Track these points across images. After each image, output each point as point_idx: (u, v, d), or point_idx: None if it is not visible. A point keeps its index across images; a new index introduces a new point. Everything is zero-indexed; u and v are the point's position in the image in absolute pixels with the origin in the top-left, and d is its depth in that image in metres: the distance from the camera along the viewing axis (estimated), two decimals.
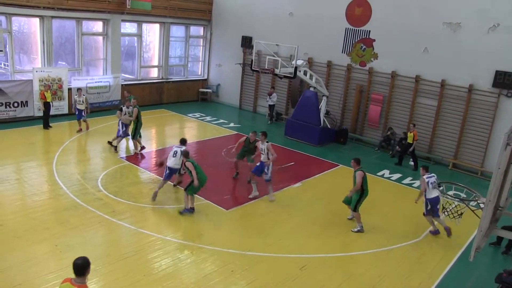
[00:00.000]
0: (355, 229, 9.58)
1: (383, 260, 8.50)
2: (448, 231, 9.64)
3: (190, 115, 18.71)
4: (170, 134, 16.52)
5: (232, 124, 17.69)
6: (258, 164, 10.81)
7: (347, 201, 9.70)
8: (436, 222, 9.73)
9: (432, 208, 9.54)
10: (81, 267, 4.46)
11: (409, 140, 14.32)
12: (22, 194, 9.96)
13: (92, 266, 7.23)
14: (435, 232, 9.75)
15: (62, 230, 8.45)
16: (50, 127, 15.04)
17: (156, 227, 8.95)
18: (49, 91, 15.22)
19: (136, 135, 13.17)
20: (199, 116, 18.68)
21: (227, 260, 7.93)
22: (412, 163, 14.66)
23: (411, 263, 8.51)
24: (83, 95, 14.80)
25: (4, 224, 8.52)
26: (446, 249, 9.16)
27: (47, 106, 14.91)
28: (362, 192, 9.42)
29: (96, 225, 8.76)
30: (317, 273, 7.84)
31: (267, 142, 10.66)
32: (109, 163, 12.21)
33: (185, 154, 9.51)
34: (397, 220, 10.41)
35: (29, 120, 15.48)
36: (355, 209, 9.51)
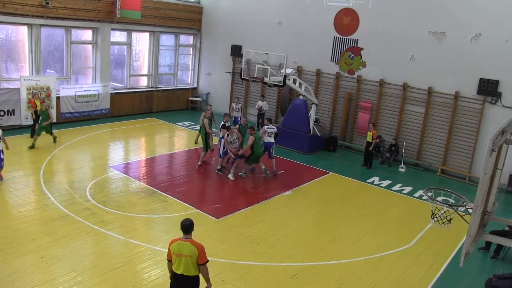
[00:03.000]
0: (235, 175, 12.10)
1: (374, 268, 8.50)
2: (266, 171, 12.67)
3: (179, 123, 18.66)
4: (159, 142, 16.43)
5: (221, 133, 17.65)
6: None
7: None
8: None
9: (267, 150, 12.85)
10: (189, 226, 5.72)
11: (368, 139, 14.79)
12: (7, 205, 9.78)
13: (79, 278, 7.20)
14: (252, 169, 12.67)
15: (48, 241, 8.31)
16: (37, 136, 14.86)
17: (145, 237, 8.86)
18: (38, 99, 15.08)
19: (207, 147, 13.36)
20: (188, 124, 18.64)
21: (218, 269, 7.85)
22: (402, 169, 14.78)
23: (402, 270, 8.52)
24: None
25: None
26: (437, 255, 9.20)
27: (37, 114, 14.70)
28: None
29: (84, 236, 8.63)
30: (308, 282, 7.81)
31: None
32: (98, 173, 12.09)
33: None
34: (387, 227, 10.44)
35: (16, 129, 15.28)
36: (249, 164, 12.35)
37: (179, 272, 5.67)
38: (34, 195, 10.38)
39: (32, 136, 14.54)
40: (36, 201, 10.06)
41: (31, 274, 7.26)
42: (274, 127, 13.31)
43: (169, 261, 5.82)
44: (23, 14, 15.08)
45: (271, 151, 13.17)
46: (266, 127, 13.21)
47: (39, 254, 7.83)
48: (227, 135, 12.34)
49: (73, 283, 7.08)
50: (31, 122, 15.70)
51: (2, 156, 10.74)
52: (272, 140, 13.14)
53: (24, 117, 15.55)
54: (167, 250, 5.88)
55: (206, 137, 13.00)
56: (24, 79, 15.49)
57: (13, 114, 15.36)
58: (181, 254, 5.63)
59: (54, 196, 10.28)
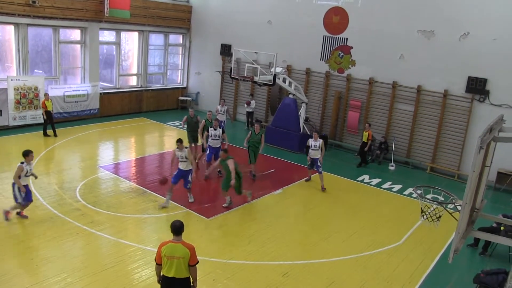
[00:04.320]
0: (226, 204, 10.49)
1: (364, 266, 8.56)
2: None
3: (169, 123, 18.58)
4: (149, 142, 16.35)
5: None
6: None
7: (226, 187, 10.31)
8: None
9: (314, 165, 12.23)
10: (180, 227, 5.68)
11: (364, 139, 14.97)
12: None
13: (70, 279, 7.14)
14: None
15: (38, 242, 8.23)
16: (56, 136, 14.99)
17: (136, 237, 8.82)
18: (50, 100, 15.00)
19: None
20: (178, 124, 18.56)
21: (209, 269, 7.85)
22: (392, 167, 14.92)
23: (393, 267, 8.60)
24: None
25: None
26: (426, 252, 9.29)
27: (48, 114, 14.85)
28: (238, 176, 10.31)
29: (74, 236, 8.56)
30: (299, 280, 7.84)
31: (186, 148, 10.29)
32: (88, 173, 12.00)
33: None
34: (377, 225, 10.52)
35: (3, 130, 15.10)
36: (241, 192, 10.53)
37: (170, 275, 5.61)
38: None
39: (44, 135, 14.98)
40: None
41: (21, 276, 7.20)
42: (320, 141, 12.31)
43: (158, 264, 5.69)
44: (9, 13, 14.89)
45: (318, 164, 12.30)
46: (310, 140, 12.33)
47: (29, 256, 7.75)
48: (177, 149, 10.25)
49: (63, 284, 7.03)
50: (21, 123, 15.65)
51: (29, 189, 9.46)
52: (318, 155, 12.26)
53: (12, 117, 15.36)
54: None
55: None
56: (11, 79, 15.30)
57: (1, 115, 15.17)
58: (173, 256, 5.57)
59: (44, 197, 10.18)
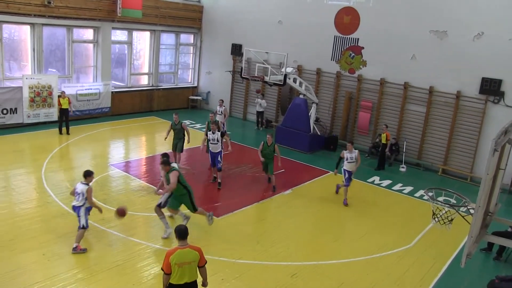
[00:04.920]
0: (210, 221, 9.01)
1: (374, 268, 8.50)
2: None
3: None
4: (160, 141, 16.41)
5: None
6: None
7: (176, 206, 8.76)
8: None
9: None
10: (185, 231, 5.58)
11: (383, 141, 14.72)
12: (9, 202, 9.80)
13: (80, 275, 7.20)
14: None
15: (50, 238, 8.32)
16: (68, 134, 15.11)
17: (145, 235, 8.87)
18: (66, 98, 15.14)
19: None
20: (189, 123, 18.61)
21: (217, 268, 7.85)
22: (403, 168, 14.80)
23: (403, 270, 8.51)
24: None
25: None
26: (437, 256, 9.18)
27: (63, 112, 14.98)
28: (188, 191, 8.62)
29: (85, 233, 8.62)
30: (308, 281, 7.81)
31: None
32: (98, 171, 12.08)
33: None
34: (387, 227, 10.43)
35: (18, 127, 15.30)
36: (195, 209, 8.78)
37: (183, 282, 5.49)
38: (36, 192, 10.40)
39: (60, 133, 15.10)
40: (37, 198, 10.08)
41: (33, 271, 7.28)
42: (356, 152, 11.33)
43: (168, 274, 5.44)
44: (25, 13, 15.11)
45: (349, 176, 11.37)
46: (345, 152, 11.28)
47: (40, 251, 7.84)
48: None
49: (74, 280, 7.10)
50: (35, 120, 15.84)
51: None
52: (353, 167, 11.29)
53: (26, 115, 15.57)
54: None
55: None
56: (26, 78, 15.50)
57: (16, 113, 15.38)
58: (184, 262, 5.46)
59: (56, 193, 10.29)
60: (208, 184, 11.85)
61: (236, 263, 8.12)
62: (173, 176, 8.29)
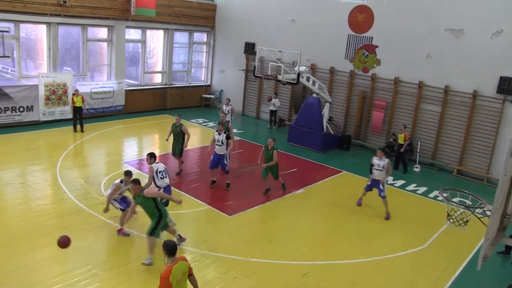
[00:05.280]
0: (146, 261, 7.60)
1: (387, 268, 8.42)
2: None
3: (193, 120, 18.72)
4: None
5: (235, 130, 17.64)
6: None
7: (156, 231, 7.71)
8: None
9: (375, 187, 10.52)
10: (176, 246, 5.37)
11: (400, 141, 14.53)
12: (25, 198, 9.98)
13: (94, 271, 7.28)
14: None
15: (64, 234, 8.41)
16: (83, 131, 15.28)
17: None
18: (80, 96, 15.30)
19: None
20: (202, 121, 18.70)
21: (229, 266, 7.88)
22: (417, 168, 14.64)
23: (416, 271, 8.42)
24: None
25: (6, 229, 8.53)
26: (452, 257, 9.05)
27: (77, 110, 15.17)
28: (160, 215, 7.67)
29: (99, 230, 8.73)
30: (320, 281, 7.78)
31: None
32: (112, 168, 12.21)
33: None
34: (401, 227, 10.32)
35: (34, 125, 15.54)
36: (151, 233, 7.62)
37: None
38: (51, 189, 10.55)
39: (75, 130, 15.28)
40: (53, 195, 10.23)
41: (47, 266, 7.39)
42: (385, 160, 10.43)
43: None
44: (42, 13, 15.32)
45: (381, 187, 10.51)
46: (374, 159, 10.53)
47: (55, 247, 7.92)
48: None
49: (88, 275, 7.19)
50: (50, 118, 16.08)
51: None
52: (381, 176, 10.45)
53: (42, 113, 15.80)
54: (160, 284, 5.11)
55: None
56: (42, 76, 15.73)
57: (32, 110, 15.62)
58: (181, 276, 5.34)
59: (70, 190, 10.42)
60: (220, 183, 11.82)
61: (248, 261, 8.13)
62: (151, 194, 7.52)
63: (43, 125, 15.57)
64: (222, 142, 11.17)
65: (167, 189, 9.05)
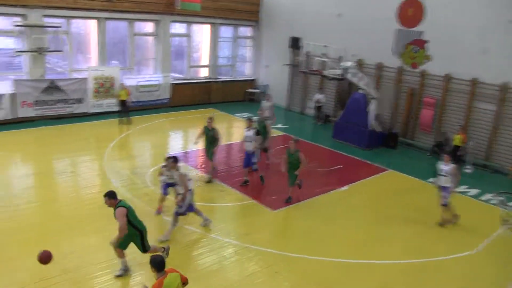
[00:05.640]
0: (118, 272, 7.11)
1: (433, 272, 8.04)
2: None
3: (237, 114, 18.76)
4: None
5: (279, 125, 17.54)
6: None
7: (124, 246, 7.05)
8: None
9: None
10: (164, 262, 5.07)
11: (456, 143, 13.91)
12: (76, 187, 10.39)
13: (139, 259, 7.41)
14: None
15: (110, 223, 8.64)
16: (129, 124, 15.69)
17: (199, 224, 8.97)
18: (125, 89, 15.82)
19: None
20: (247, 116, 18.69)
21: (271, 260, 7.81)
22: (469, 169, 13.93)
23: (462, 279, 7.98)
24: None
25: (59, 216, 8.91)
26: (505, 266, 8.47)
27: (123, 103, 15.71)
28: (137, 230, 6.97)
29: (143, 220, 8.83)
30: (359, 278, 7.56)
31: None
32: (157, 160, 12.41)
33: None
34: (447, 230, 9.77)
35: (83, 117, 16.15)
36: (146, 250, 7.12)
37: None
38: (99, 179, 10.90)
39: (121, 123, 15.74)
40: (100, 184, 10.56)
41: (97, 252, 7.65)
42: (451, 165, 9.46)
43: None
44: (91, 8, 15.85)
45: (444, 194, 9.61)
46: (441, 163, 9.64)
47: (102, 234, 8.18)
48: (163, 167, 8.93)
49: (133, 264, 7.33)
50: (98, 110, 16.64)
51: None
52: (448, 183, 9.48)
53: (91, 105, 16.38)
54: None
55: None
56: (91, 70, 16.29)
57: (82, 102, 16.23)
58: None
59: (117, 180, 10.71)
60: (267, 175, 11.70)
61: (290, 256, 8.01)
62: (119, 216, 6.70)
63: (91, 117, 16.14)
64: (251, 139, 10.89)
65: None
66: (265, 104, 14.82)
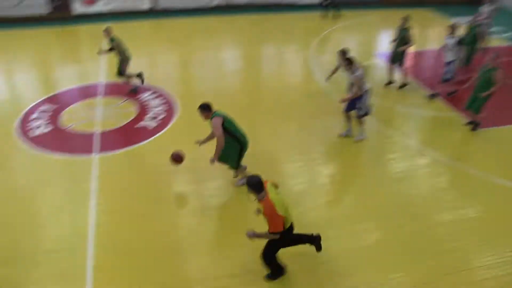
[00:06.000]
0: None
1: None
2: None
3: (457, 18, 16.07)
4: (432, 37, 14.91)
5: (506, 34, 14.59)
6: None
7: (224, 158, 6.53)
8: None
9: None
10: (261, 182, 4.58)
11: None
12: (282, 75, 11.14)
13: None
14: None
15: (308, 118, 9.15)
16: (337, 18, 15.63)
17: (396, 130, 8.67)
18: None
19: None
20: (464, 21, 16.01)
21: (464, 181, 7.21)
22: None
23: None
24: None
25: (259, 107, 9.86)
26: None
27: None
28: (236, 141, 6.32)
29: (337, 115, 8.91)
30: None
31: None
32: (362, 58, 11.28)
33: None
34: None
35: (291, 8, 16.57)
36: (237, 166, 6.62)
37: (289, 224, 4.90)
38: (301, 69, 11.41)
39: (328, 17, 15.67)
40: (302, 75, 11.09)
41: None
42: None
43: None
44: None
45: None
46: None
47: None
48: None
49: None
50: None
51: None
52: None
53: None
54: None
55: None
56: None
57: None
58: (286, 205, 4.86)
59: (318, 73, 10.98)
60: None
61: (492, 181, 7.17)
62: (215, 126, 6.16)
63: (300, 9, 16.38)
64: (449, 48, 9.49)
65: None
66: (485, 8, 12.36)
